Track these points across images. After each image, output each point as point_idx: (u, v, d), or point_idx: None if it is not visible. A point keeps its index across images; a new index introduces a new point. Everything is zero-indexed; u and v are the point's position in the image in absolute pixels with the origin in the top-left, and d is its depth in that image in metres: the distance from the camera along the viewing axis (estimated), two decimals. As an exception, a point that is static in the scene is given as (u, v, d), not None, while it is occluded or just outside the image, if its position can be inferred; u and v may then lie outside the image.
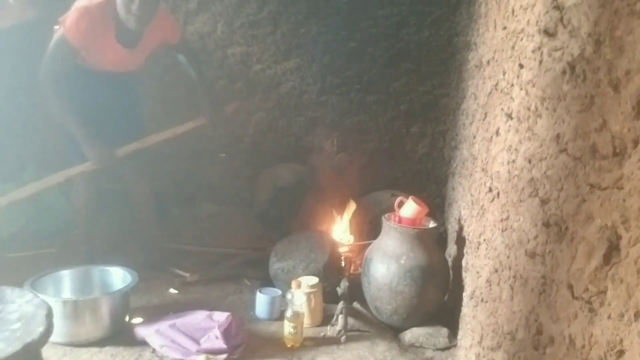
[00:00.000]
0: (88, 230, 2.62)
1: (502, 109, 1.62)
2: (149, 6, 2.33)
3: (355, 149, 3.32)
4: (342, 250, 2.72)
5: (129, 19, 2.33)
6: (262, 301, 2.28)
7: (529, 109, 1.31)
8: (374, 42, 3.26)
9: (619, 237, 0.82)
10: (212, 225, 3.22)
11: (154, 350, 1.96)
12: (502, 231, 1.50)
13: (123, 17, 2.34)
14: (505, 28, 1.69)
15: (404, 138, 3.40)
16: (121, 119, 2.51)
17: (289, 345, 2.06)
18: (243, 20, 3.32)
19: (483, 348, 1.61)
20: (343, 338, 2.10)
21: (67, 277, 2.20)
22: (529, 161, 1.27)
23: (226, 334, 1.97)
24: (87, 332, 1.98)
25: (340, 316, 2.17)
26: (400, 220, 2.23)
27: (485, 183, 1.81)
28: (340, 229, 2.89)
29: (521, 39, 1.44)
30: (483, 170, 1.87)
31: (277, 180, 3.15)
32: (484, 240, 1.75)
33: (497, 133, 1.67)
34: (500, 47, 1.73)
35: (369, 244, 2.43)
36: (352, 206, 2.91)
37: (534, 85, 1.29)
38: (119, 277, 2.20)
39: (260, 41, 3.34)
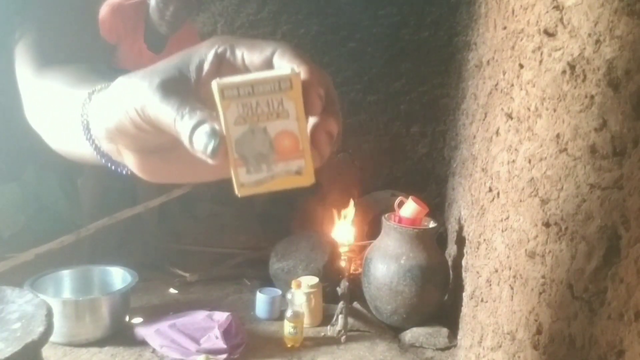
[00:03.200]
0: (91, 229, 2.63)
1: (502, 109, 1.62)
2: (182, 14, 2.36)
3: (355, 149, 3.32)
4: (343, 250, 2.72)
5: (161, 24, 2.35)
6: (262, 301, 2.28)
7: (528, 108, 1.31)
8: (374, 42, 3.26)
9: (618, 237, 0.82)
10: (212, 225, 3.22)
11: (153, 350, 1.96)
12: (502, 231, 1.49)
13: (155, 21, 2.36)
14: (505, 28, 1.68)
15: (404, 138, 3.39)
16: None
17: (289, 345, 2.06)
18: (243, 20, 3.32)
19: (483, 348, 1.61)
20: (343, 338, 2.10)
21: (67, 277, 2.20)
22: (529, 161, 1.27)
23: (226, 334, 1.97)
24: (87, 332, 1.98)
25: (340, 316, 2.17)
26: (400, 220, 2.23)
27: (485, 183, 1.81)
28: (341, 229, 2.89)
29: (521, 39, 1.44)
30: (483, 170, 1.87)
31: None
32: (484, 240, 1.75)
33: (497, 133, 1.67)
34: (500, 47, 1.73)
35: (369, 243, 2.43)
36: (351, 206, 2.91)
37: (533, 85, 1.28)
38: (118, 276, 2.20)
39: (260, 41, 3.34)
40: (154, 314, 2.17)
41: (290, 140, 0.39)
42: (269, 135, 0.39)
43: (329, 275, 2.40)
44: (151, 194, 2.71)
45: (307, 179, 0.40)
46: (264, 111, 0.39)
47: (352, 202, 2.93)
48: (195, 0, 2.44)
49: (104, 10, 2.32)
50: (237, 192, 0.40)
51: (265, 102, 0.39)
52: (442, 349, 2.12)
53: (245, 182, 0.40)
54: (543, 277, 1.12)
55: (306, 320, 2.17)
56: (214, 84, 0.39)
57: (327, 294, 2.33)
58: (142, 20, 2.37)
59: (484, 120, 1.95)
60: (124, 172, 0.53)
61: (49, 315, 1.42)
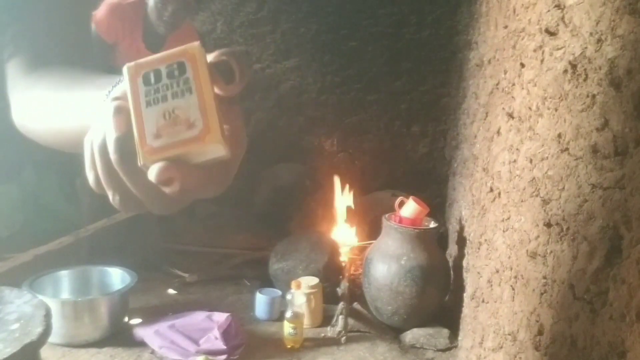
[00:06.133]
0: (90, 229, 2.62)
1: (503, 109, 1.62)
2: (181, 14, 2.36)
3: (356, 149, 3.31)
4: (344, 250, 2.71)
5: (159, 24, 2.35)
6: (261, 302, 2.27)
7: (530, 108, 1.30)
8: (374, 41, 3.26)
9: (620, 238, 0.81)
10: (212, 226, 3.22)
11: (152, 351, 1.95)
12: (503, 231, 1.49)
13: (153, 22, 2.36)
14: (506, 27, 1.68)
15: (405, 138, 3.39)
16: None
17: (288, 346, 2.05)
18: (243, 19, 3.32)
19: (484, 349, 1.60)
20: (343, 339, 2.09)
21: (65, 278, 2.19)
22: (530, 161, 1.27)
23: (225, 334, 1.97)
24: (85, 332, 1.97)
25: (340, 317, 2.16)
26: (400, 220, 2.22)
27: (486, 183, 1.80)
28: (341, 230, 2.88)
29: (522, 38, 1.44)
30: (484, 170, 1.86)
31: (277, 180, 3.15)
32: (485, 240, 1.74)
33: (498, 132, 1.66)
34: (502, 46, 1.73)
35: (370, 244, 2.42)
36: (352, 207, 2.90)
37: (535, 85, 1.28)
38: (117, 277, 2.19)
39: (259, 40, 3.34)
40: (153, 315, 2.17)
41: (191, 108, 0.42)
42: (171, 105, 0.43)
43: (329, 276, 2.39)
44: None
45: (211, 141, 0.42)
46: (167, 84, 0.43)
47: (348, 196, 2.92)
48: (194, 0, 2.44)
49: (102, 10, 2.32)
50: (141, 160, 0.42)
51: (168, 75, 0.43)
52: (443, 350, 2.11)
53: (147, 149, 0.42)
54: (544, 277, 1.12)
55: (306, 321, 2.16)
56: (125, 67, 0.43)
57: (327, 295, 2.32)
58: (140, 20, 2.37)
59: (485, 119, 1.95)
60: None
61: (48, 315, 1.41)
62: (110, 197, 0.49)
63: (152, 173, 0.43)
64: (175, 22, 2.35)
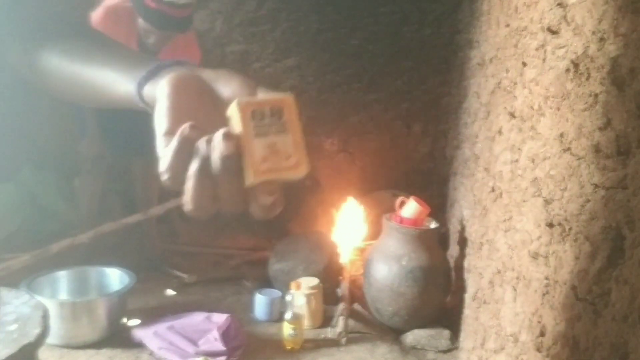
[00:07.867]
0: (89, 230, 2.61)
1: (504, 108, 1.61)
2: (164, 42, 2.37)
3: (356, 149, 3.31)
4: (344, 251, 2.70)
5: (148, 36, 2.36)
6: (261, 302, 2.26)
7: (532, 107, 1.30)
8: (375, 40, 3.25)
9: (623, 238, 0.81)
10: (211, 226, 3.21)
11: (151, 353, 1.94)
12: (505, 232, 1.48)
13: (142, 34, 2.37)
14: (508, 25, 1.67)
15: (405, 137, 3.37)
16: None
17: (288, 347, 2.04)
18: (242, 17, 3.31)
19: (486, 350, 1.60)
20: (343, 340, 2.08)
21: (63, 278, 2.18)
22: (532, 160, 1.26)
23: (225, 335, 1.96)
24: (84, 334, 1.97)
25: (340, 318, 2.16)
26: (401, 221, 2.21)
27: (487, 183, 1.79)
28: (342, 230, 2.86)
29: (524, 37, 1.43)
30: (485, 169, 1.85)
31: (277, 180, 3.14)
32: (487, 240, 1.73)
33: (500, 132, 1.66)
34: (503, 45, 1.72)
35: (370, 244, 2.41)
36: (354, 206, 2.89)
37: (537, 84, 1.27)
38: (116, 278, 2.18)
39: (259, 39, 3.33)
40: (151, 316, 2.16)
41: (287, 144, 0.56)
42: (273, 139, 0.54)
43: (329, 277, 2.39)
44: (149, 194, 2.69)
45: (302, 172, 0.56)
46: (269, 122, 0.54)
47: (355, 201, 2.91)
48: (178, 28, 2.38)
49: (98, 13, 2.32)
50: (251, 177, 0.53)
51: (271, 114, 0.55)
52: (444, 351, 2.10)
53: (257, 170, 0.53)
54: (546, 278, 1.11)
55: (306, 322, 2.15)
56: (235, 102, 0.53)
57: (328, 296, 2.31)
58: (135, 26, 2.36)
59: (486, 119, 1.94)
60: None
61: (46, 316, 1.40)
62: (190, 197, 0.55)
63: (264, 197, 0.54)
64: (162, 46, 2.36)
